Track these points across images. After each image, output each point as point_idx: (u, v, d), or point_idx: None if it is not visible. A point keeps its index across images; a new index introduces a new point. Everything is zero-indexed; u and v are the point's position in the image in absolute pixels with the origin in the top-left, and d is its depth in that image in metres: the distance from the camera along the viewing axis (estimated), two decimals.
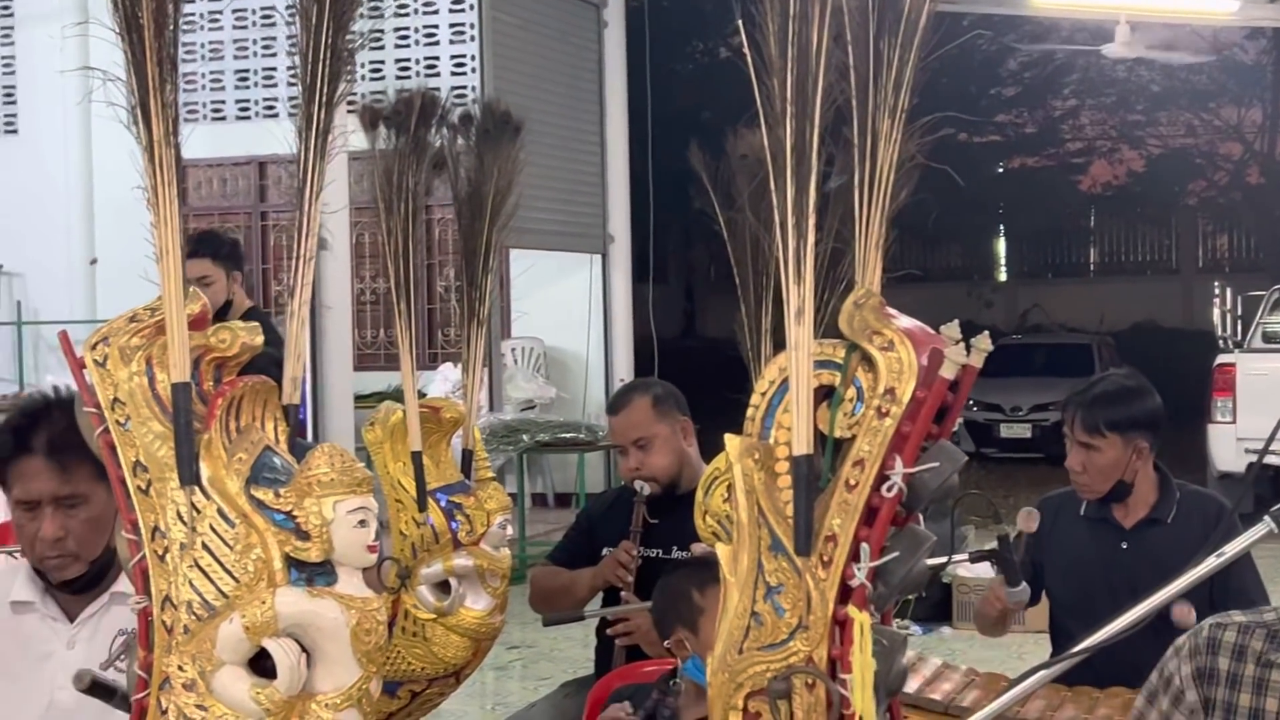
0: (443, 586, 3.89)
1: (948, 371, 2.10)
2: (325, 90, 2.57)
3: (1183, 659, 2.50)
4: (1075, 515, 4.22)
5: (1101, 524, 4.16)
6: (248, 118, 13.40)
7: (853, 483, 2.12)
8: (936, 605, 9.04)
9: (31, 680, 2.97)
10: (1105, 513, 4.16)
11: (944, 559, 4.05)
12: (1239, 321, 13.53)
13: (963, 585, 8.90)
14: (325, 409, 9.76)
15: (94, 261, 13.87)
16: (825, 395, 2.18)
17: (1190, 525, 4.02)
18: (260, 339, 2.40)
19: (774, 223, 2.12)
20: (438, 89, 11.86)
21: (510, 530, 4.03)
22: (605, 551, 4.53)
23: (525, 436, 11.03)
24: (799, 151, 2.07)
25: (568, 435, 11.39)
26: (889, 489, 2.10)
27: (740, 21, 2.10)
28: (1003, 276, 30.11)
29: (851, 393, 2.15)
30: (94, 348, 2.32)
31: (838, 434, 2.16)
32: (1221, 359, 12.46)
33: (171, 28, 2.27)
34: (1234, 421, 11.86)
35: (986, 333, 2.21)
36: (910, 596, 8.76)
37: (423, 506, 3.91)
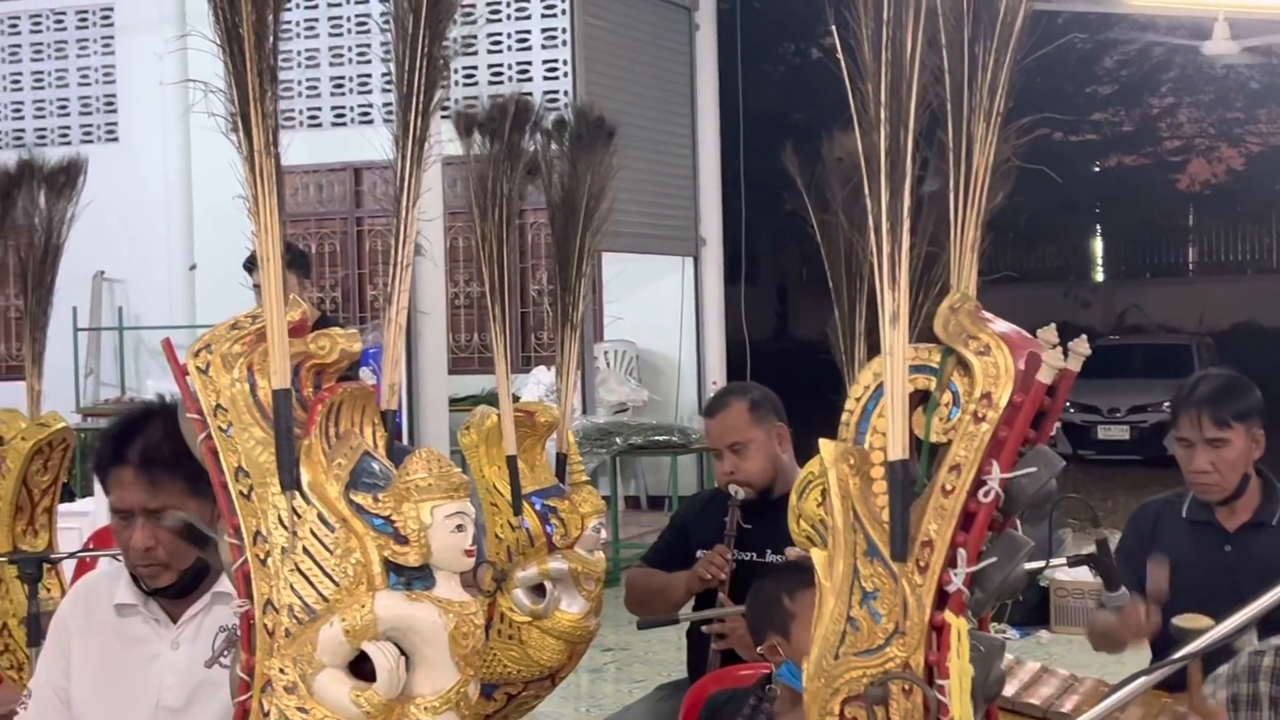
0: (538, 590, 3.91)
1: (1045, 376, 2.09)
2: (421, 98, 2.59)
3: (1219, 685, 2.49)
4: (1177, 519, 4.17)
5: (1205, 527, 4.11)
6: (344, 124, 13.52)
7: (949, 488, 2.11)
8: (1033, 609, 8.97)
9: (139, 681, 3.01)
10: (1208, 515, 4.11)
11: (1042, 563, 4.03)
12: None
13: (1060, 589, 8.84)
14: (420, 413, 9.82)
15: (193, 267, 14.06)
16: (921, 400, 2.18)
17: None
18: (359, 346, 2.42)
19: (868, 227, 2.11)
20: (530, 94, 11.89)
21: (604, 534, 4.05)
22: (699, 554, 4.53)
23: (618, 439, 11.05)
24: (893, 156, 2.06)
25: (660, 438, 11.39)
26: (986, 494, 2.09)
27: (834, 26, 2.10)
28: (1100, 277, 29.79)
29: (947, 397, 2.15)
30: (196, 355, 2.35)
31: (933, 439, 2.15)
32: None
33: (271, 39, 2.31)
34: None
35: (1084, 336, 2.20)
36: (1008, 601, 8.72)
37: (518, 510, 3.93)
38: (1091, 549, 3.67)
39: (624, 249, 12.67)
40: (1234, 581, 3.81)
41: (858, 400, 2.21)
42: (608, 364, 13.10)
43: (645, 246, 12.66)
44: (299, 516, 2.28)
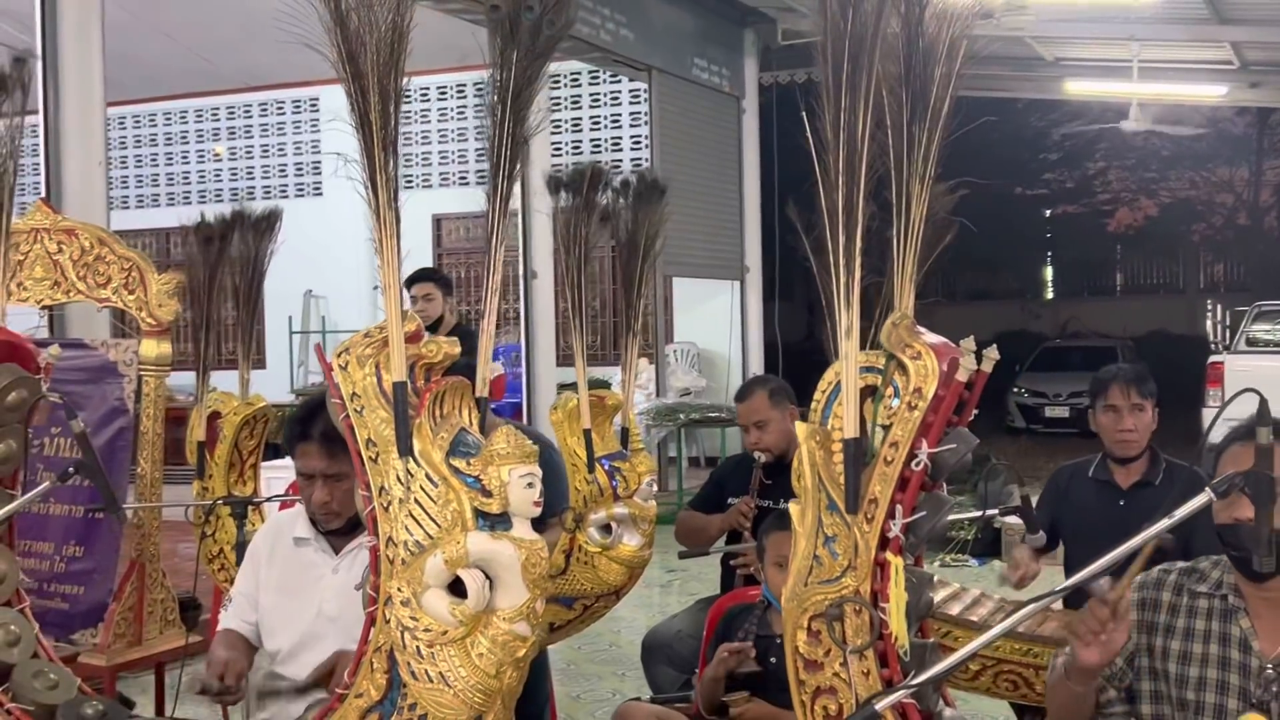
0: (606, 528, 3.88)
1: (961, 375, 2.05)
2: (505, 166, 2.55)
3: (1134, 588, 2.45)
4: (1085, 478, 4.08)
5: (1106, 485, 4.01)
6: (484, 183, 13.56)
7: (889, 459, 2.07)
8: (989, 544, 8.84)
9: (308, 594, 3.02)
10: (1108, 475, 4.01)
11: (979, 513, 3.96)
12: (1228, 330, 13.09)
13: (1009, 530, 8.70)
14: (535, 395, 9.83)
15: (376, 287, 14.17)
16: (869, 393, 2.14)
17: (1173, 487, 3.85)
18: (458, 350, 2.40)
19: (829, 263, 2.08)
20: (621, 161, 11.77)
21: (655, 487, 4.02)
22: (730, 502, 4.50)
23: (682, 415, 11.01)
24: (848, 210, 2.02)
25: (714, 415, 11.33)
26: (916, 464, 2.06)
27: (804, 114, 2.06)
28: (1049, 295, 29.35)
29: (890, 391, 2.11)
30: (339, 356, 2.35)
31: (879, 422, 2.11)
32: (1213, 359, 12.09)
33: (392, 123, 2.28)
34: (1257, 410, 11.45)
35: (994, 346, 2.15)
36: (965, 535, 8.60)
37: (591, 469, 3.91)
38: (1017, 503, 3.60)
39: (688, 275, 12.64)
40: (1126, 528, 3.70)
41: (823, 393, 2.18)
42: (675, 359, 13.07)
43: (704, 273, 12.62)
44: (411, 476, 2.27)
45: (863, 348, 2.14)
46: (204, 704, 4.98)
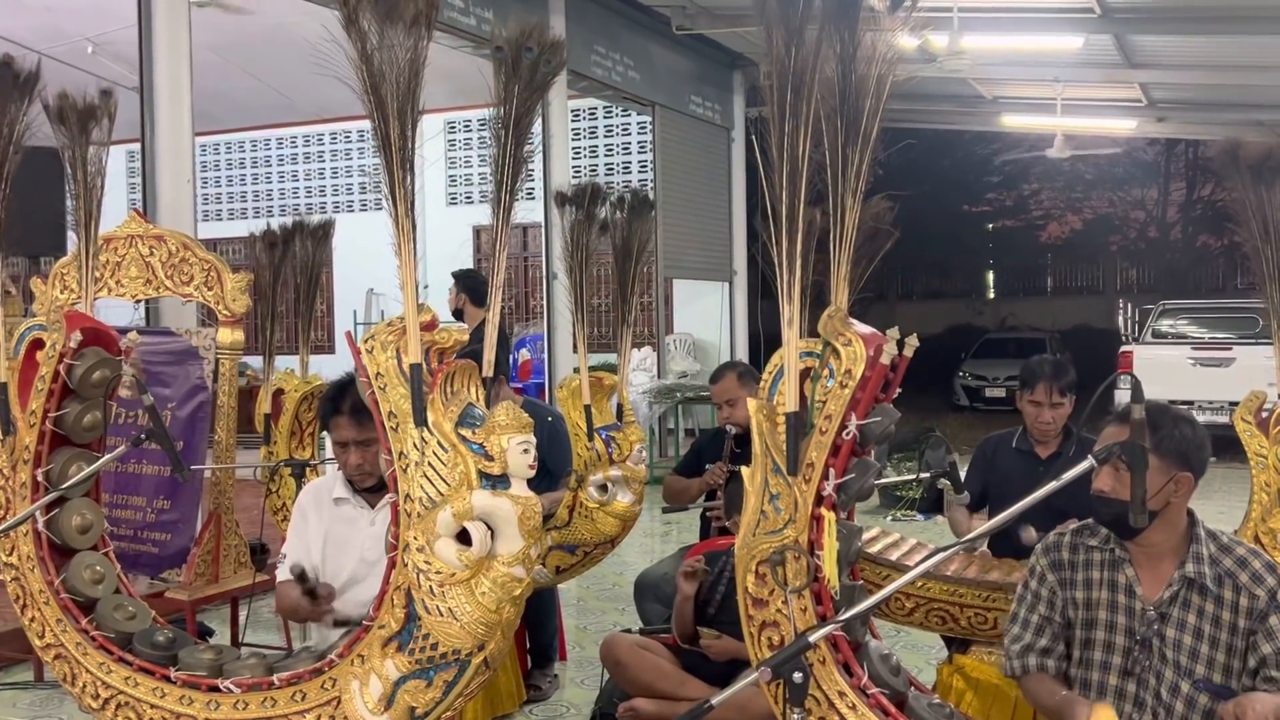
0: (602, 488, 3.86)
1: (885, 359, 2.01)
2: (509, 183, 2.52)
3: (1038, 555, 2.41)
4: (1009, 448, 4.01)
5: (1027, 455, 3.95)
6: (519, 199, 13.51)
7: (824, 430, 2.04)
8: (934, 501, 8.71)
9: (351, 543, 3.00)
10: (1030, 447, 3.95)
11: (921, 475, 3.90)
12: (1137, 325, 12.96)
13: (949, 489, 8.63)
14: (556, 377, 9.80)
15: (426, 286, 14.14)
16: (808, 374, 2.10)
17: (1081, 458, 3.80)
18: (466, 337, 2.37)
19: (776, 264, 2.04)
20: (630, 181, 11.63)
21: (645, 454, 3.99)
22: (707, 467, 4.46)
23: (679, 394, 10.95)
24: (790, 218, 1.99)
25: (706, 394, 11.14)
26: (847, 434, 2.02)
27: (753, 136, 2.02)
28: (991, 295, 29.18)
29: (825, 372, 2.07)
30: (365, 342, 2.33)
31: (816, 399, 2.08)
32: (1124, 348, 11.96)
33: (409, 146, 2.24)
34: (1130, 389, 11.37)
35: (915, 335, 2.11)
36: (911, 494, 8.54)
37: (590, 438, 3.89)
38: (946, 469, 3.56)
39: (685, 276, 12.58)
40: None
41: (769, 374, 2.14)
42: (675, 347, 13.02)
43: (699, 275, 12.56)
44: (425, 443, 2.25)
45: (805, 336, 2.10)
46: (273, 628, 4.99)
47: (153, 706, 2.54)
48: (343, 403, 2.93)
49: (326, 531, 3.05)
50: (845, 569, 2.06)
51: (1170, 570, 2.28)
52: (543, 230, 9.76)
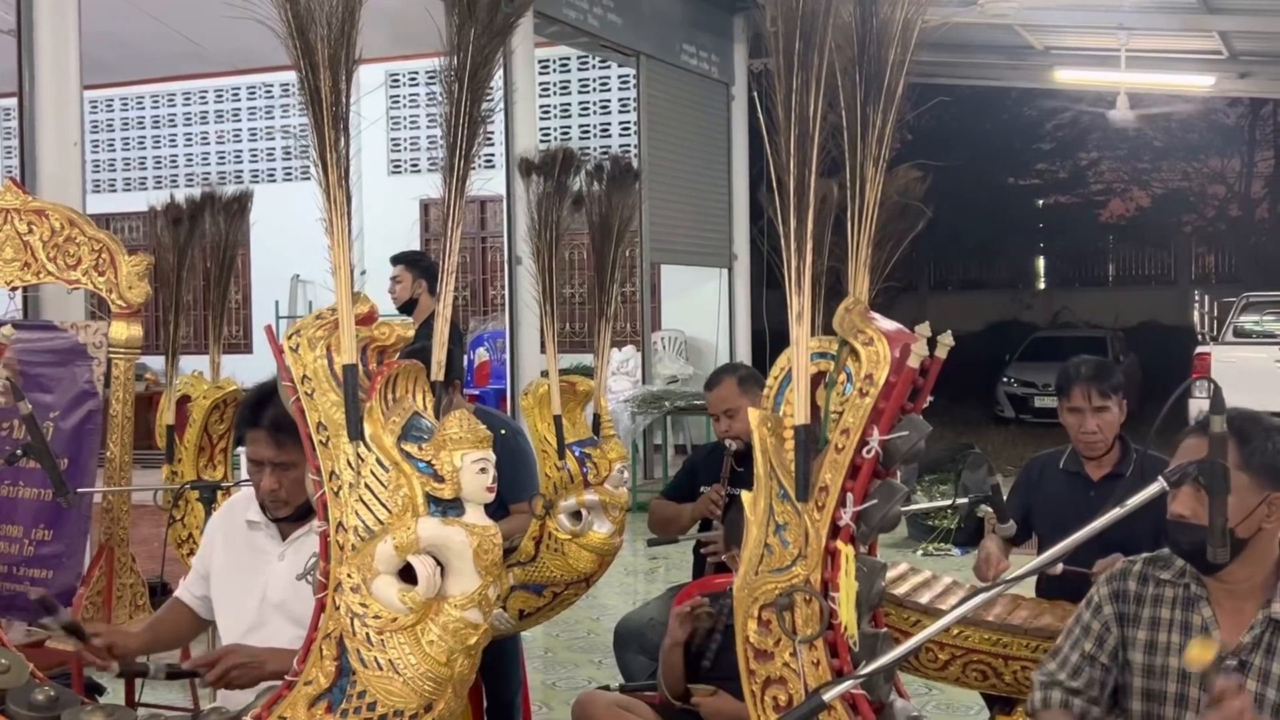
0: (576, 515, 3.86)
1: (913, 362, 2.02)
2: (464, 148, 2.51)
3: (1101, 583, 2.44)
4: (1056, 469, 4.05)
5: (1076, 476, 3.98)
6: (475, 168, 13.52)
7: (840, 446, 2.05)
8: (973, 532, 8.80)
9: (254, 578, 3.00)
10: (1079, 467, 3.98)
11: (957, 500, 3.92)
12: (1215, 321, 13.08)
13: (992, 518, 8.68)
14: (520, 382, 9.80)
15: (363, 273, 14.13)
16: (821, 379, 2.11)
17: (1144, 480, 3.82)
18: (411, 333, 2.37)
19: (782, 246, 2.04)
20: (609, 147, 11.66)
21: (627, 475, 3.99)
22: (702, 489, 4.48)
23: (668, 403, 10.97)
24: (799, 192, 1.99)
25: (699, 403, 11.26)
26: (868, 451, 2.03)
27: (756, 93, 2.02)
28: (1041, 285, 29.35)
29: (842, 377, 2.08)
30: (289, 338, 2.31)
31: (831, 409, 2.08)
32: (1200, 349, 12.06)
33: (342, 100, 2.24)
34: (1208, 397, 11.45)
35: (949, 333, 2.12)
36: (946, 524, 8.58)
37: (561, 455, 3.89)
38: (988, 494, 3.58)
39: (676, 262, 12.62)
40: (1094, 519, 3.69)
41: (775, 379, 2.15)
42: (663, 347, 13.05)
43: (692, 260, 12.60)
44: (362, 460, 2.24)
45: (818, 334, 2.11)
46: (174, 689, 4.97)
47: None
48: (262, 415, 2.92)
49: (231, 559, 3.06)
50: (866, 614, 2.06)
51: (1255, 611, 2.30)
52: (504, 205, 9.77)
